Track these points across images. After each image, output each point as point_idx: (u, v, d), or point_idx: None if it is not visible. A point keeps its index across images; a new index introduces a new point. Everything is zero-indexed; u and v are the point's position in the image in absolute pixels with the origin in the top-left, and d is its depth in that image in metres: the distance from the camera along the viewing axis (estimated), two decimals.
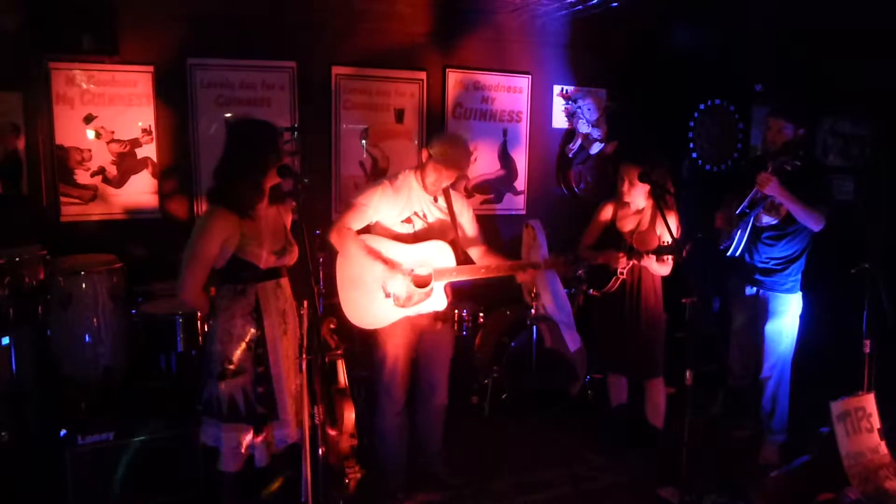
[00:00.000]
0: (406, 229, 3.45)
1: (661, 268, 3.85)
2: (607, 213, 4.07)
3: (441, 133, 3.29)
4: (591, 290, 4.14)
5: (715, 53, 5.37)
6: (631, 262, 3.82)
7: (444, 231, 3.50)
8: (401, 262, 3.38)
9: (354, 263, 3.39)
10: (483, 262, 3.58)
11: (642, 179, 3.62)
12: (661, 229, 3.81)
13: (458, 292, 3.98)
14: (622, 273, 3.88)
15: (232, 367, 2.87)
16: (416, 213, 3.45)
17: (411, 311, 3.44)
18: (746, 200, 3.82)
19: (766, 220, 3.86)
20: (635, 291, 3.94)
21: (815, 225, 3.71)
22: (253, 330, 2.90)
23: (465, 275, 3.45)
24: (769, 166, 3.68)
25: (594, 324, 4.25)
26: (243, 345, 2.89)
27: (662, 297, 4.00)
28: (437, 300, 3.44)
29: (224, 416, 2.89)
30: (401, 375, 3.50)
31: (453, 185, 3.55)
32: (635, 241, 3.86)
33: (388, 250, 3.40)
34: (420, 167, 3.46)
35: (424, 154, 3.41)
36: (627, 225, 3.97)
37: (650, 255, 3.71)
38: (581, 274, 4.46)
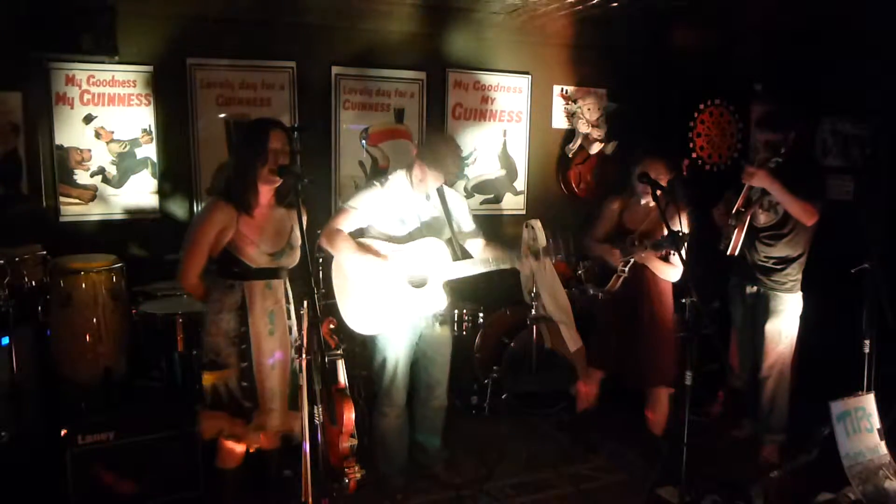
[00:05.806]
0: (400, 230, 3.44)
1: (668, 270, 3.77)
2: (615, 207, 3.98)
3: (434, 133, 3.24)
4: (592, 290, 4.07)
5: (715, 53, 5.36)
6: (630, 259, 3.73)
7: (439, 228, 3.48)
8: (394, 258, 3.37)
9: (347, 265, 3.39)
10: (482, 255, 3.54)
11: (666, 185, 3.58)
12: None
13: (459, 292, 3.97)
14: (623, 271, 3.80)
15: (217, 358, 2.93)
16: (408, 213, 3.43)
17: (412, 312, 3.43)
18: (741, 199, 3.83)
19: (764, 219, 3.86)
20: (640, 293, 3.86)
21: (808, 218, 3.67)
22: (237, 325, 2.93)
23: (463, 270, 3.43)
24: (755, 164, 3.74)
25: (595, 325, 4.17)
26: (228, 339, 2.93)
27: (673, 303, 3.88)
28: (437, 298, 3.43)
29: (207, 404, 2.97)
30: (401, 378, 3.51)
31: (450, 184, 3.53)
32: (641, 238, 3.78)
33: (382, 249, 3.39)
34: (410, 165, 3.44)
35: (414, 151, 3.37)
36: (635, 221, 3.89)
37: (648, 251, 3.65)
38: (580, 274, 4.44)
